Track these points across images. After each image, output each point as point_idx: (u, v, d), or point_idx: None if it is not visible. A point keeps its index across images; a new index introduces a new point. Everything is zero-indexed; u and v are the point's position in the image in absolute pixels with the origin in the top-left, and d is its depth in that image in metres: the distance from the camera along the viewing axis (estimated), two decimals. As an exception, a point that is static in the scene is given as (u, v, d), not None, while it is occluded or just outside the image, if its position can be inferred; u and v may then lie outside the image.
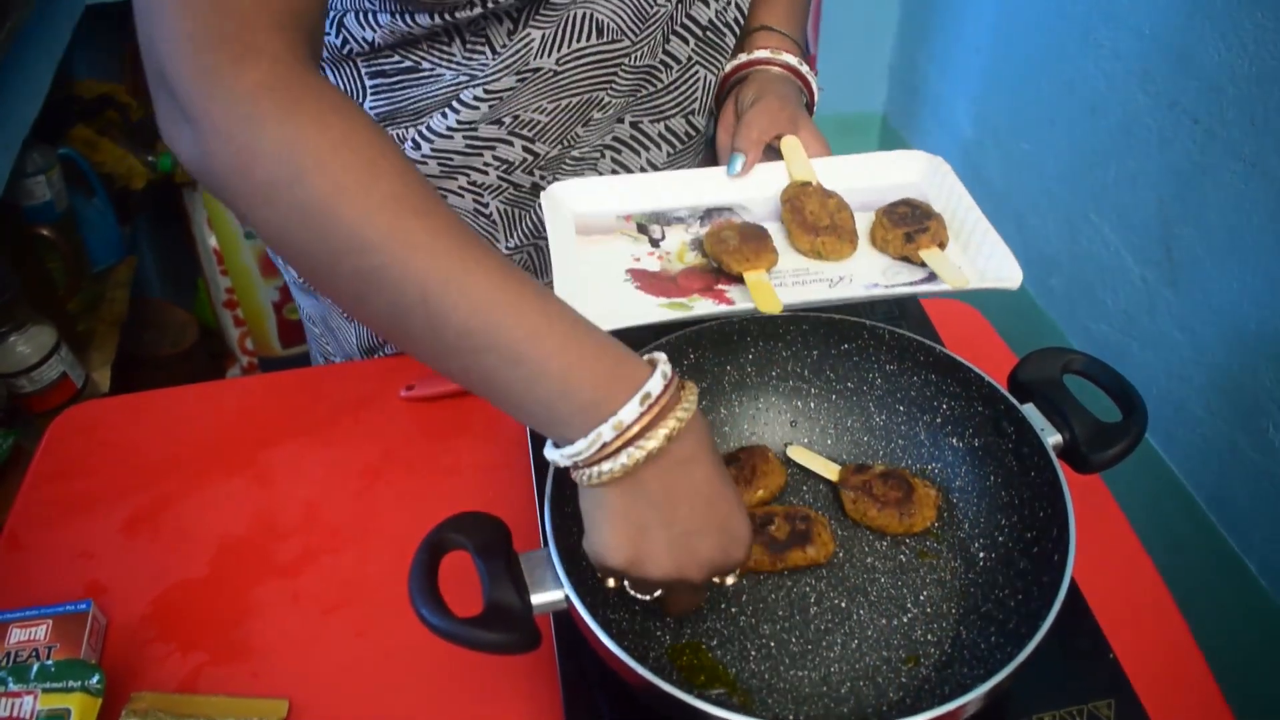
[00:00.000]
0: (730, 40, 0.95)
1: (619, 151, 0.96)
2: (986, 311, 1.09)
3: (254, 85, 0.57)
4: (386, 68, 0.86)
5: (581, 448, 0.57)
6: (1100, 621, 0.72)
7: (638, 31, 0.86)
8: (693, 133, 0.98)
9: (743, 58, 0.97)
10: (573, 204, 0.85)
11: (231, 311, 2.32)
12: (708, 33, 0.92)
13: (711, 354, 0.83)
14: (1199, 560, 1.62)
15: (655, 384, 0.57)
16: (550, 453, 0.60)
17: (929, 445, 0.82)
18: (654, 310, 0.76)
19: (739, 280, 0.79)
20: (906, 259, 0.82)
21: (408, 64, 0.85)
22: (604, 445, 0.56)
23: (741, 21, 0.95)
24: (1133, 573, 0.83)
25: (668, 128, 0.96)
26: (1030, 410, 0.75)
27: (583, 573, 0.70)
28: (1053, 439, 0.73)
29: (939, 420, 0.81)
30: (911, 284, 0.80)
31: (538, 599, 0.62)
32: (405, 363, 1.04)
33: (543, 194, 0.84)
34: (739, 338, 0.83)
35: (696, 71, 0.93)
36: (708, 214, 0.87)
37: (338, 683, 0.77)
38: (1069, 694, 0.68)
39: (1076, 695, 0.67)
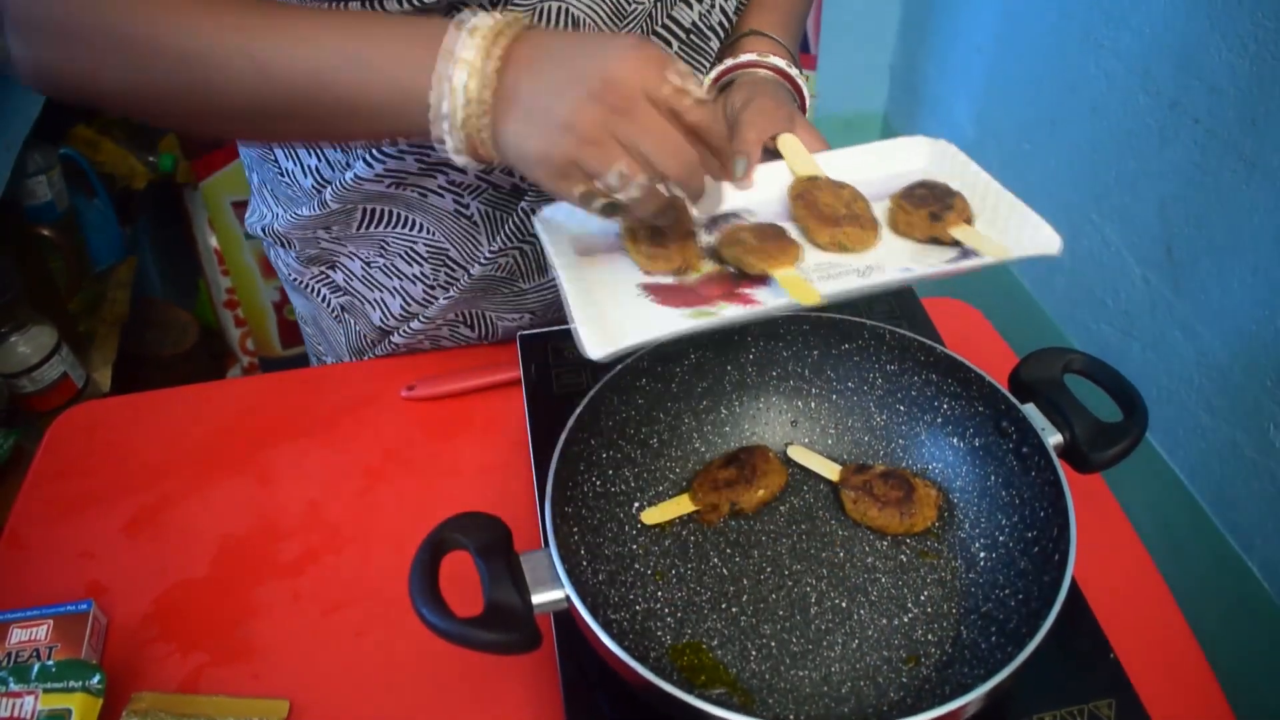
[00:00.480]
0: (714, 44, 0.94)
1: None
2: (987, 311, 1.09)
3: None
4: None
5: (446, 109, 0.62)
6: (1101, 621, 0.72)
7: (615, 29, 0.85)
8: None
9: (729, 62, 0.94)
10: (570, 226, 0.80)
11: (232, 312, 2.32)
12: (691, 36, 0.91)
13: (712, 354, 0.83)
14: (1200, 560, 1.62)
15: (479, 19, 0.62)
16: (455, 159, 0.65)
17: (930, 445, 0.82)
18: (682, 321, 0.71)
19: (762, 281, 0.75)
20: (935, 239, 0.78)
21: None
22: (455, 87, 0.62)
23: (727, 26, 0.94)
24: (1134, 572, 0.83)
25: None
26: (1031, 410, 0.75)
27: (583, 573, 0.71)
28: (1053, 439, 0.73)
29: (940, 420, 0.81)
30: (947, 262, 0.76)
31: (538, 599, 0.62)
32: (406, 363, 1.04)
33: (536, 220, 0.80)
34: (739, 338, 0.83)
35: None
36: (713, 222, 0.82)
37: (338, 683, 0.77)
38: (1070, 694, 0.67)
39: (1077, 695, 0.67)
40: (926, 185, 0.80)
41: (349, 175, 0.91)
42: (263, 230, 1.03)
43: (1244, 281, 1.44)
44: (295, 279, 1.07)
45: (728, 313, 0.72)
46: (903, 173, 0.85)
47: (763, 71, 0.93)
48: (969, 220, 0.78)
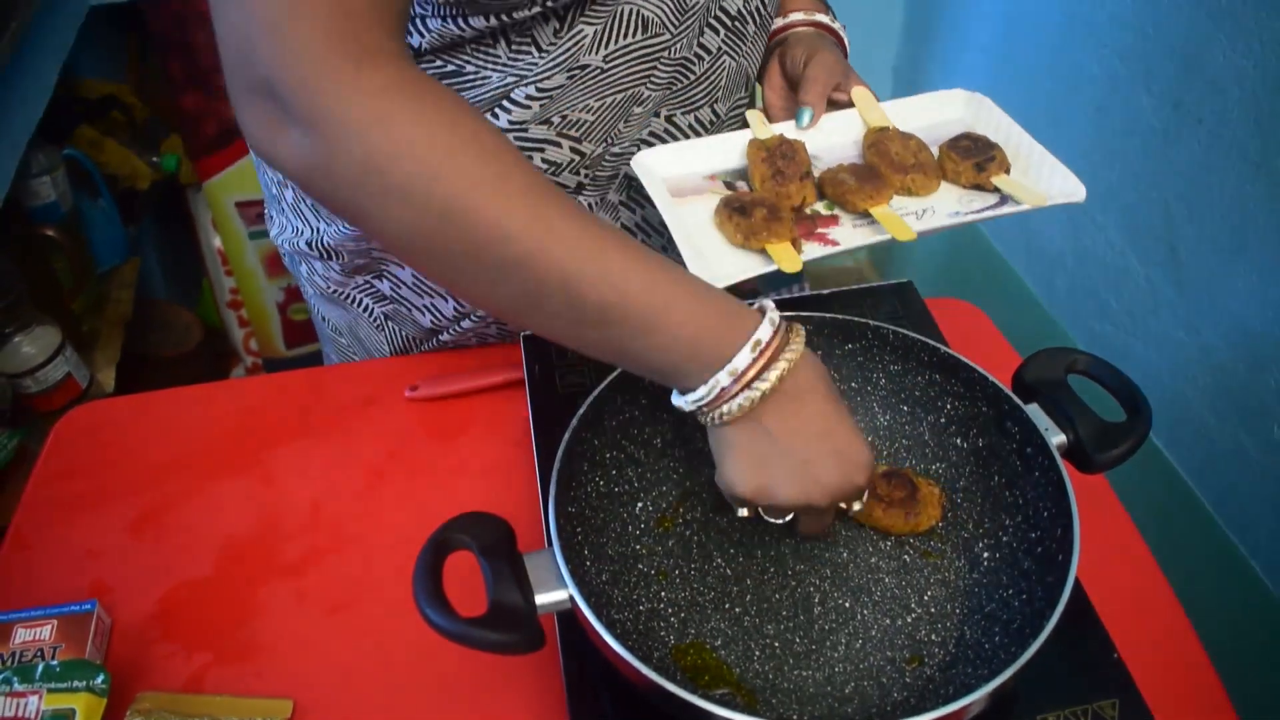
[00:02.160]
0: (751, 29, 0.95)
1: (651, 145, 0.95)
2: (989, 311, 1.09)
3: (382, 86, 0.59)
4: (431, 73, 0.84)
5: (703, 393, 0.64)
6: (1105, 621, 0.72)
7: (677, 24, 0.86)
8: (715, 119, 0.98)
9: (779, 22, 1.02)
10: (661, 169, 0.90)
11: (236, 312, 2.32)
12: (735, 22, 0.92)
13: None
14: (1204, 560, 1.62)
15: (764, 331, 0.63)
16: (676, 399, 0.67)
17: (933, 445, 0.82)
18: (767, 262, 0.82)
19: (835, 222, 0.88)
20: (979, 187, 0.90)
21: (451, 68, 0.85)
22: (722, 390, 0.63)
23: (764, 11, 0.96)
24: (1137, 573, 0.83)
25: (696, 119, 0.96)
26: (1034, 410, 0.75)
27: (586, 573, 0.71)
28: (1057, 439, 0.73)
29: (943, 420, 0.81)
30: (989, 208, 0.88)
31: (542, 599, 0.62)
32: (409, 363, 1.04)
33: (632, 162, 0.90)
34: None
35: (724, 61, 0.93)
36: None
37: (342, 683, 0.77)
38: (1073, 694, 0.67)
39: (1081, 695, 0.67)
40: (970, 137, 0.93)
41: None
42: (303, 244, 1.02)
43: (1248, 281, 1.44)
44: (335, 290, 1.06)
45: (808, 252, 0.83)
46: (946, 121, 0.99)
47: (810, 29, 1.01)
48: (1007, 170, 0.90)
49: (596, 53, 0.84)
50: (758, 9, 0.94)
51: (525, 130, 0.87)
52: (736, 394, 0.63)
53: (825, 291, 1.02)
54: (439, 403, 0.99)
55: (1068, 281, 1.91)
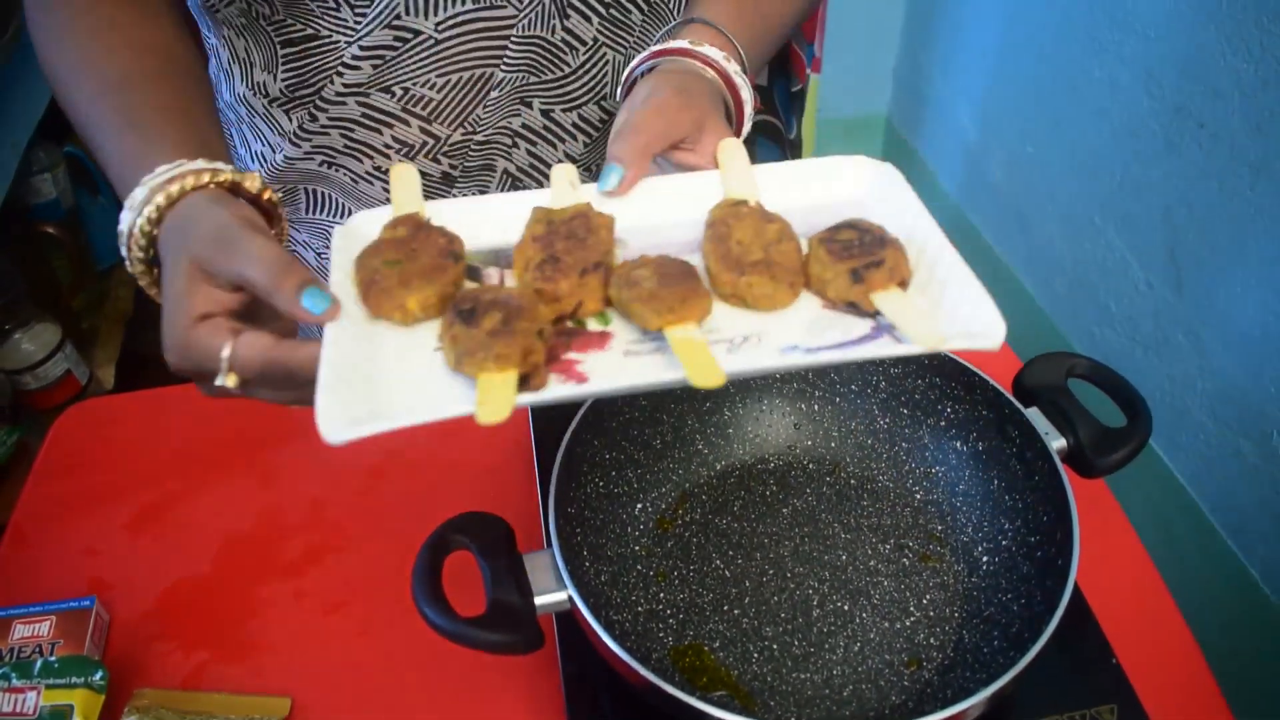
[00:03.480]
0: (637, 18, 0.88)
1: (534, 144, 0.93)
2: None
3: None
4: (293, 35, 0.85)
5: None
6: (1103, 626, 0.72)
7: (516, 3, 0.83)
8: (606, 118, 0.94)
9: (655, 47, 0.78)
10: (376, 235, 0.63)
11: (235, 310, 2.32)
12: (611, 10, 0.86)
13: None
14: (1203, 566, 1.62)
15: (165, 170, 0.64)
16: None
17: (933, 449, 0.82)
18: (459, 404, 0.52)
19: (598, 344, 0.58)
20: (853, 305, 0.59)
21: (309, 31, 0.84)
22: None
23: None
24: (1136, 578, 0.83)
25: (581, 116, 0.92)
26: (1034, 414, 0.75)
27: (585, 573, 0.71)
28: (1057, 443, 0.73)
29: (943, 423, 0.81)
30: (850, 344, 0.57)
31: (541, 600, 0.62)
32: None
33: (337, 229, 0.64)
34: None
35: (604, 54, 0.89)
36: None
37: (340, 681, 0.77)
38: (1072, 699, 0.67)
39: (1079, 700, 0.67)
40: (856, 226, 0.62)
41: (280, 156, 0.92)
42: None
43: (1248, 286, 1.44)
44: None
45: (546, 393, 0.54)
46: (836, 201, 0.68)
47: (691, 62, 0.77)
48: (903, 282, 0.60)
49: (423, 17, 0.82)
50: None
51: (368, 96, 0.86)
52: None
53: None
54: (439, 402, 0.99)
55: (1067, 285, 1.91)
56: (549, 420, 0.83)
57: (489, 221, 0.65)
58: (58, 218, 1.77)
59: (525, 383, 0.54)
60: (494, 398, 0.52)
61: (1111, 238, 1.74)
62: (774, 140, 1.20)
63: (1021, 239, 2.03)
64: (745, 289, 0.59)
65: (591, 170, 0.97)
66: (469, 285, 0.61)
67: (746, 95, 0.78)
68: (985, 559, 0.75)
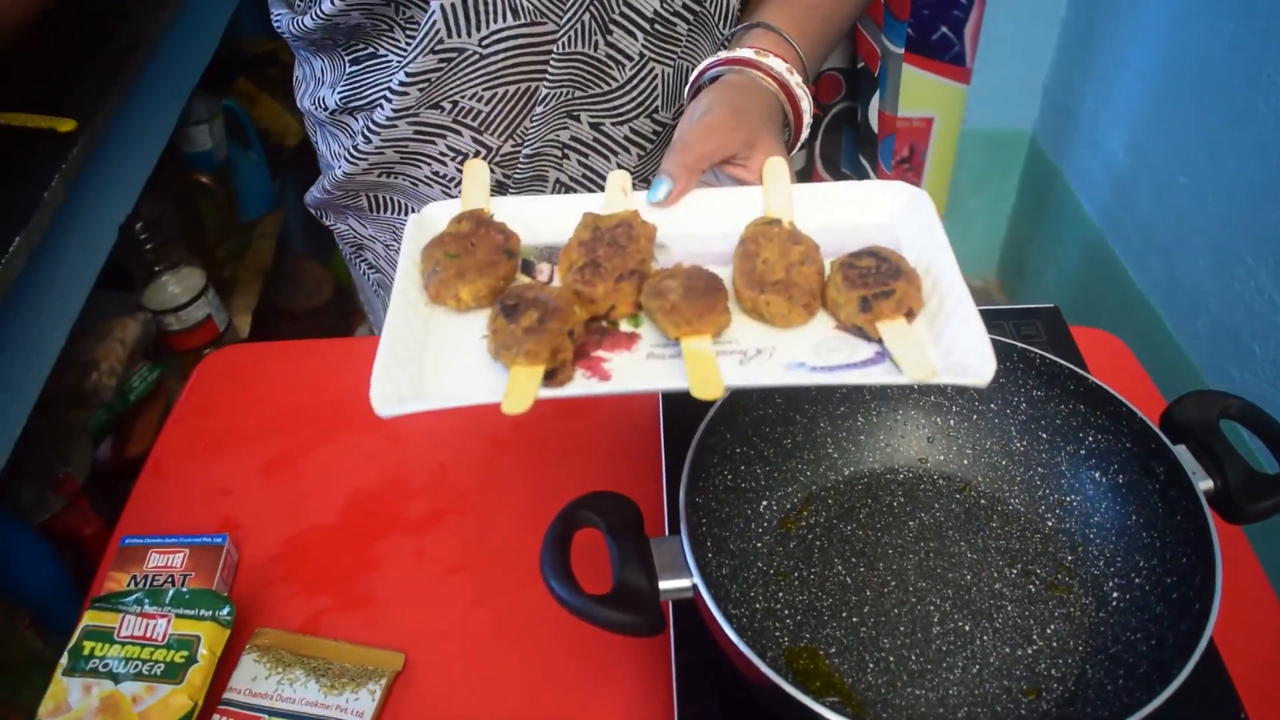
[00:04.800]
0: (683, 29, 0.87)
1: (585, 155, 0.93)
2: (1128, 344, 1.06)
3: None
4: (359, 55, 0.89)
5: None
6: (1235, 681, 0.69)
7: (559, 15, 0.82)
8: (660, 129, 0.94)
9: (721, 55, 0.81)
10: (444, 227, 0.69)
11: (365, 272, 2.37)
12: (655, 25, 0.86)
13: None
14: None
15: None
16: None
17: (1069, 476, 0.79)
18: (490, 393, 0.58)
19: (626, 345, 0.63)
20: (860, 330, 0.63)
21: (369, 51, 0.88)
22: None
23: (693, 9, 0.86)
24: (1270, 632, 0.80)
25: (633, 130, 0.93)
26: (1182, 451, 0.72)
27: (708, 564, 0.71)
28: (1204, 484, 0.70)
29: (1083, 452, 0.78)
30: (849, 367, 0.61)
31: (666, 585, 0.62)
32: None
33: (411, 218, 0.70)
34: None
35: (652, 68, 0.88)
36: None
37: (452, 644, 0.78)
38: (1197, 750, 0.65)
39: (1205, 752, 0.65)
40: (877, 254, 0.65)
41: (339, 171, 0.96)
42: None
43: None
44: (347, 255, 1.14)
45: (573, 386, 0.60)
46: (865, 224, 0.71)
47: (756, 73, 0.80)
48: (911, 313, 0.62)
49: (465, 35, 0.82)
50: (686, 8, 0.86)
51: (417, 115, 0.88)
52: None
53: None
54: (567, 380, 1.00)
55: (1209, 324, 1.84)
56: (680, 409, 0.83)
57: (546, 220, 0.71)
58: (210, 168, 1.83)
59: (552, 377, 0.59)
60: (519, 389, 0.57)
61: (1263, 280, 1.67)
62: (853, 126, 1.24)
63: (1164, 272, 1.96)
64: (763, 306, 0.63)
65: (647, 180, 0.97)
66: (521, 278, 0.68)
67: (806, 106, 0.82)
68: (1116, 595, 0.73)
